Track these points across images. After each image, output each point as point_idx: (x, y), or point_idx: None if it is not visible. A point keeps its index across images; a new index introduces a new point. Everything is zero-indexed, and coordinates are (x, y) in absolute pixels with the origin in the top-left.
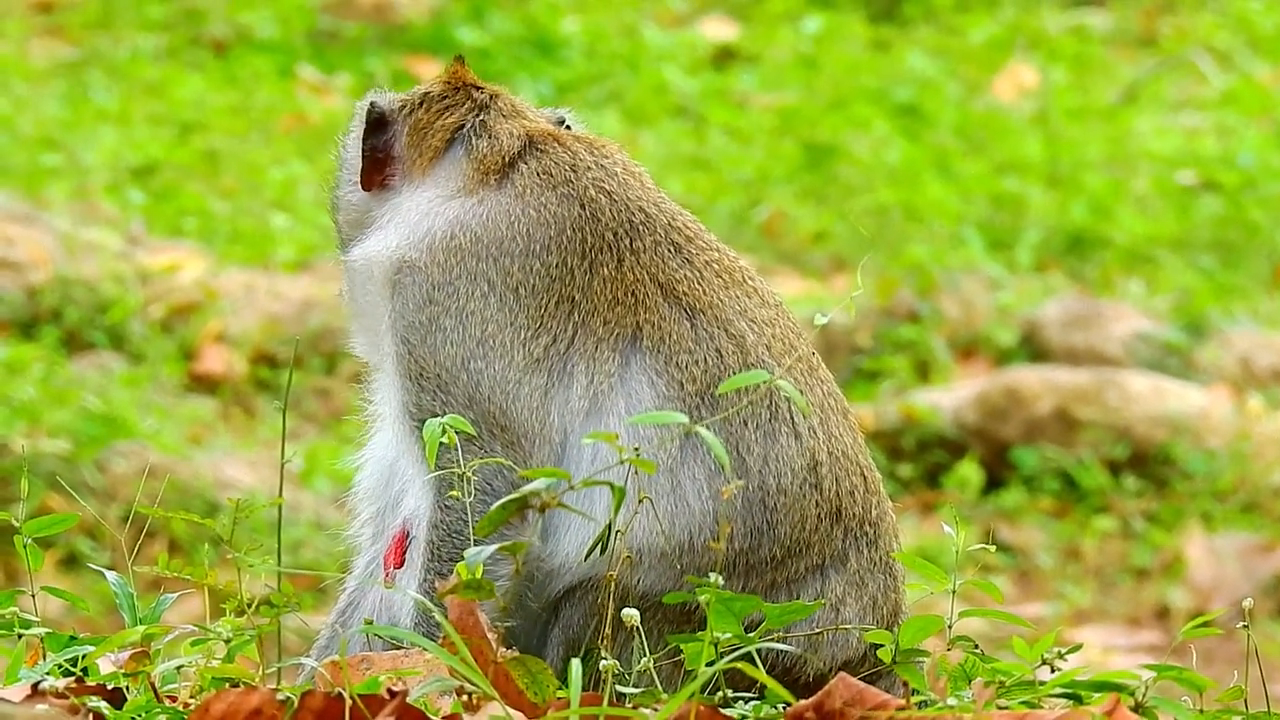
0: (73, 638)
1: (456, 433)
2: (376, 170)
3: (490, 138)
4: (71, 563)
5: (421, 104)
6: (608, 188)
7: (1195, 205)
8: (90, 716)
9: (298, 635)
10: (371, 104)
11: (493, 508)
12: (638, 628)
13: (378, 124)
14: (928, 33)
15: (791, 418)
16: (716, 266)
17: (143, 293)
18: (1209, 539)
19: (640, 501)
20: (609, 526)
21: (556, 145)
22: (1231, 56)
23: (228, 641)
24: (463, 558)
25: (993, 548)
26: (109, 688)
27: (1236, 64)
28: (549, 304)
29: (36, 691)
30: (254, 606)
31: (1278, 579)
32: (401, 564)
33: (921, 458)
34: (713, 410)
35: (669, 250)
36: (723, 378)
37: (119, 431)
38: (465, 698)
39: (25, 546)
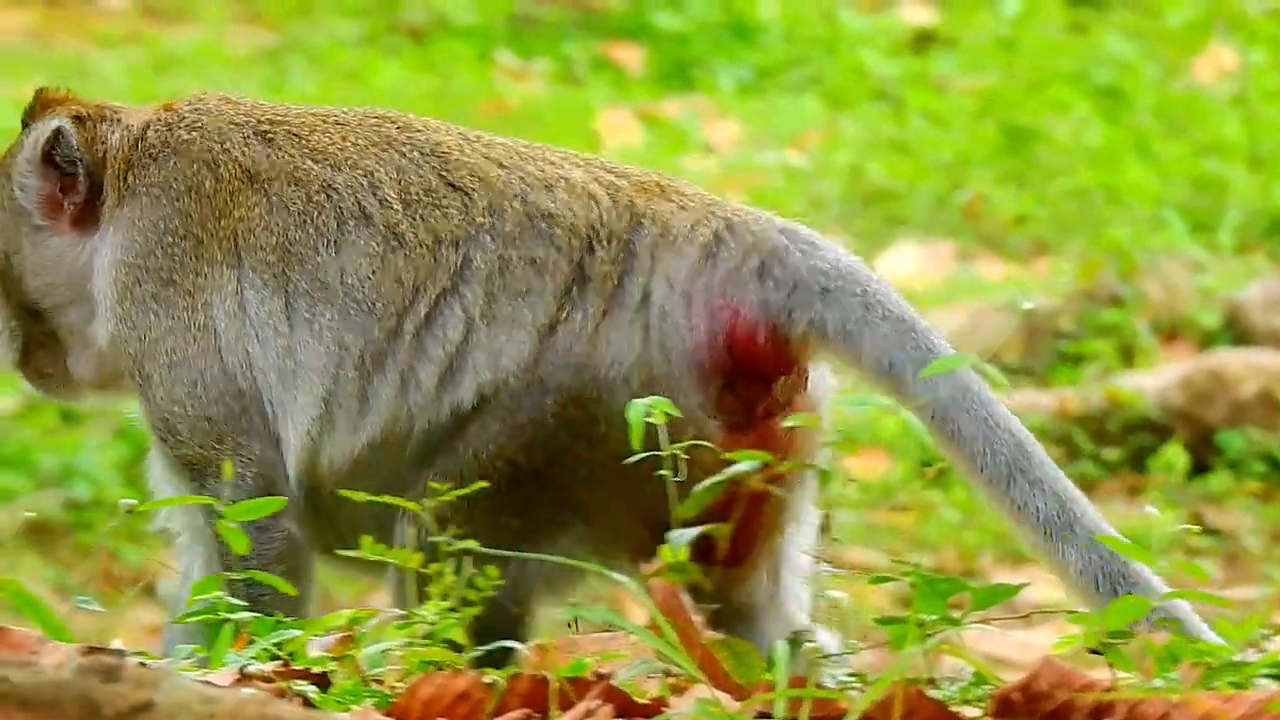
0: (279, 622)
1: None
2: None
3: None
4: None
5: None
6: (200, 123)
7: None
8: (297, 700)
9: None
10: (58, 130)
11: (696, 489)
12: (849, 610)
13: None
14: (1126, 15)
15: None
16: (303, 141)
17: None
18: None
19: None
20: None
21: (157, 122)
22: None
23: (433, 625)
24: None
25: (1197, 529)
26: (315, 672)
27: None
28: (191, 266)
29: (244, 676)
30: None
31: None
32: None
33: (1126, 441)
34: (304, 268)
35: (258, 142)
36: (292, 233)
37: None
38: (671, 680)
39: (228, 531)
